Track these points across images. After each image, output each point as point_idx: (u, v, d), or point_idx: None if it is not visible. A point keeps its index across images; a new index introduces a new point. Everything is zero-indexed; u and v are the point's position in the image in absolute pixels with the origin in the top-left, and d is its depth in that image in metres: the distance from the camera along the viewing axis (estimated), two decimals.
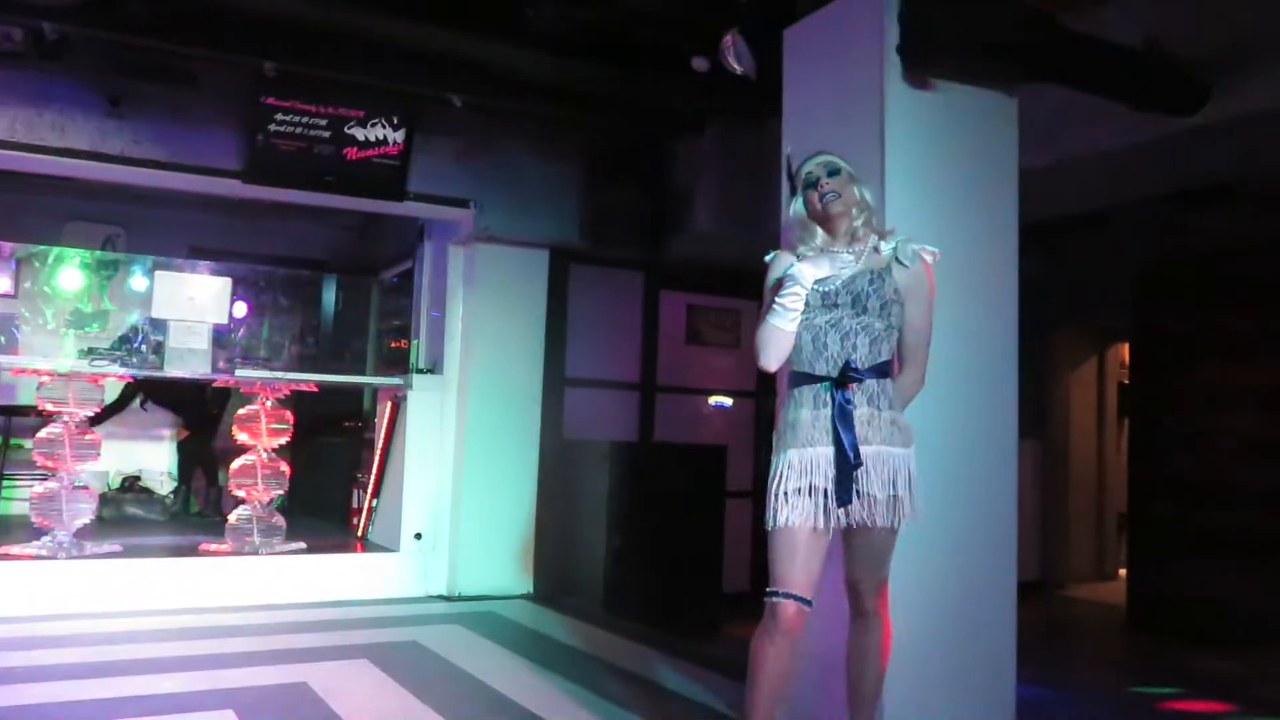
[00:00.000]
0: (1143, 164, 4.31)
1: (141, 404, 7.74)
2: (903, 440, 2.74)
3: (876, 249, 2.80)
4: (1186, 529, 6.08)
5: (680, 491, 6.19)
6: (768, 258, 2.92)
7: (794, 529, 2.66)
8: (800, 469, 2.68)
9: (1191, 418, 6.18)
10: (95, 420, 6.51)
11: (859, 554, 2.79)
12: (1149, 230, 6.53)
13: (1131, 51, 3.57)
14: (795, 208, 2.86)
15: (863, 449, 2.66)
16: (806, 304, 2.73)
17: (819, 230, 2.82)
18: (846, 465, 2.65)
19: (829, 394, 2.70)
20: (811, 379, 2.73)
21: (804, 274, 2.71)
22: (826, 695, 3.19)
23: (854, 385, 2.70)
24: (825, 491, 2.66)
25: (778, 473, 2.71)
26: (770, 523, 2.69)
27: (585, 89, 5.49)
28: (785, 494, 2.67)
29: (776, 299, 2.73)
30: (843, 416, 2.67)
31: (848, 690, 2.90)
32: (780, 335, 2.73)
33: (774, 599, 2.67)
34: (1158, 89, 3.61)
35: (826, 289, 2.73)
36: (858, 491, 2.67)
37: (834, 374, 2.70)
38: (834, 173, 2.80)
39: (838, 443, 2.66)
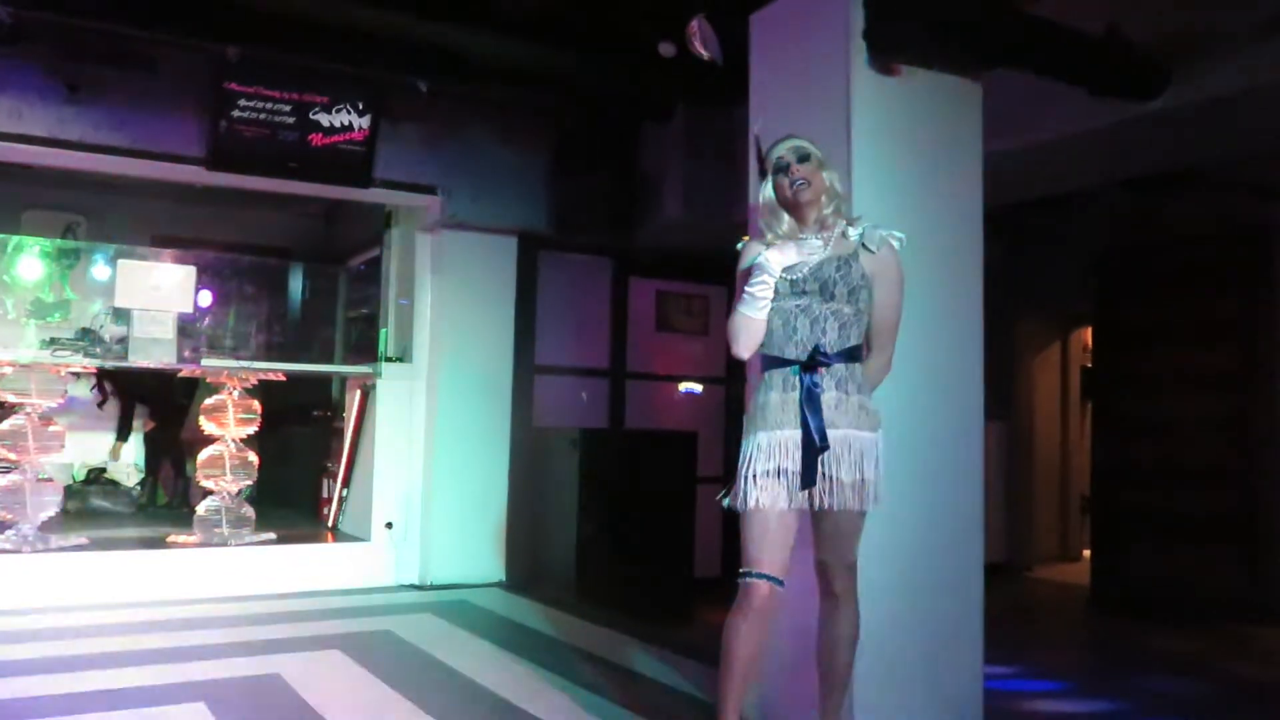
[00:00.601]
0: (1105, 149, 4.37)
1: (100, 403, 7.66)
2: (870, 424, 2.77)
3: (844, 235, 2.82)
4: (1149, 510, 6.18)
5: (651, 478, 6.20)
6: (739, 245, 2.93)
7: (764, 510, 2.70)
8: (769, 451, 2.71)
9: (1153, 401, 6.28)
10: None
11: (827, 536, 2.82)
12: (1111, 215, 6.61)
13: (1092, 37, 3.60)
14: (765, 193, 2.86)
15: (830, 433, 2.69)
16: (776, 291, 2.76)
17: (786, 216, 2.83)
18: (812, 448, 2.69)
19: (798, 378, 2.73)
20: (781, 363, 2.76)
21: (771, 262, 2.75)
22: (797, 678, 3.22)
23: (822, 369, 2.73)
24: (793, 474, 2.70)
25: (747, 455, 2.75)
26: (740, 504, 2.72)
27: (552, 75, 5.47)
28: (754, 476, 2.71)
29: (746, 288, 2.78)
30: (810, 400, 2.70)
31: (818, 673, 2.93)
32: (751, 323, 2.77)
33: (747, 579, 2.70)
34: (1118, 75, 3.66)
35: (795, 276, 2.76)
36: (824, 475, 2.70)
37: (803, 358, 2.73)
38: (804, 159, 2.81)
39: (805, 425, 2.69)
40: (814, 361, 2.72)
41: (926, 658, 3.35)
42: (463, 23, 4.83)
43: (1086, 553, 7.53)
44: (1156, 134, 4.08)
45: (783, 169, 2.81)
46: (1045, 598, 7.08)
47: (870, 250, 2.80)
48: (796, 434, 2.70)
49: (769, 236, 2.84)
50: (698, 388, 7.48)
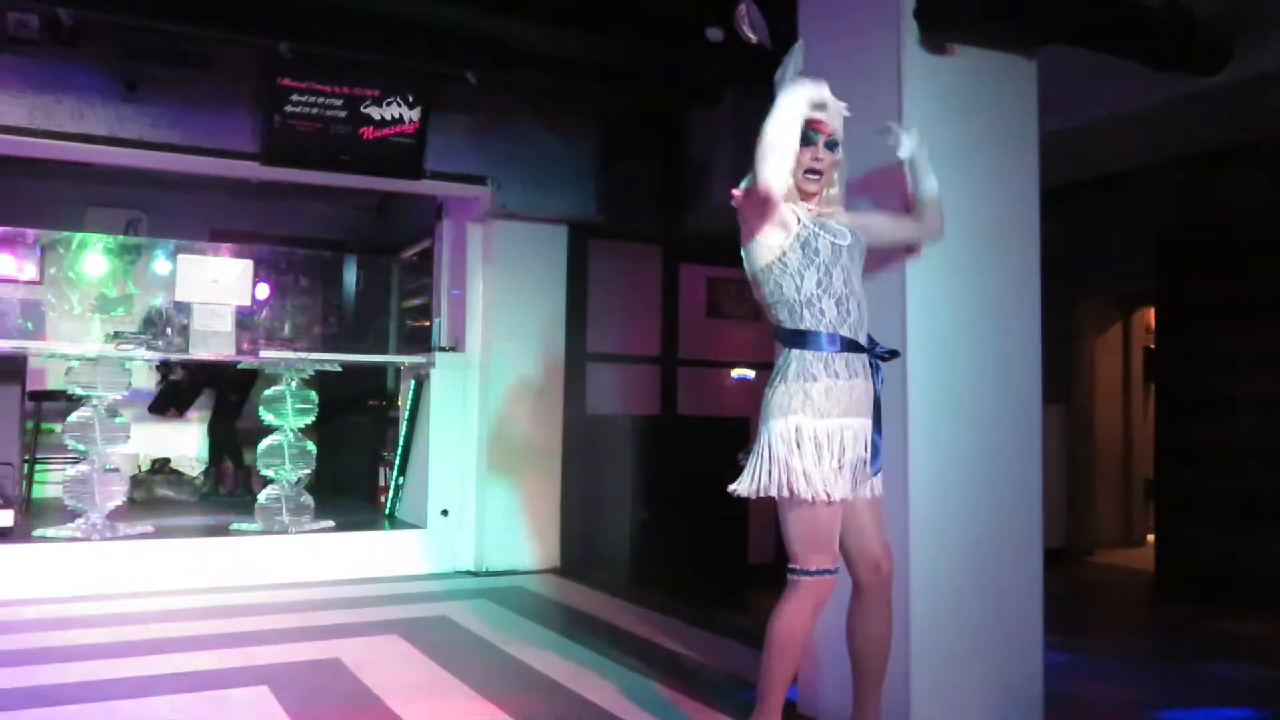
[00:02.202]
0: (1165, 125, 4.25)
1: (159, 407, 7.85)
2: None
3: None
4: (1214, 493, 6.04)
5: (704, 464, 6.17)
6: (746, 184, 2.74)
7: (836, 502, 2.66)
8: (841, 442, 2.66)
9: (1218, 381, 6.13)
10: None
11: (865, 522, 2.80)
12: (1173, 192, 6.44)
13: (1151, 10, 3.51)
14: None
15: (865, 419, 2.74)
16: (817, 252, 2.68)
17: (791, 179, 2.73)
18: (879, 439, 2.76)
19: (861, 365, 2.73)
20: (838, 344, 2.69)
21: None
22: (833, 672, 3.20)
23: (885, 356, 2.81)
24: (863, 463, 2.72)
25: (829, 443, 2.63)
26: (811, 494, 2.61)
27: (600, 62, 5.47)
28: (839, 468, 2.64)
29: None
30: (878, 393, 2.78)
31: (853, 664, 2.88)
32: (786, 152, 2.63)
33: (823, 575, 2.67)
34: (1178, 48, 3.55)
35: (839, 243, 2.73)
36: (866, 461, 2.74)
37: (855, 339, 2.71)
38: (833, 146, 2.78)
39: (876, 416, 2.75)
40: (888, 354, 2.81)
41: (985, 644, 3.31)
42: (510, 13, 4.84)
43: (1150, 537, 7.38)
44: (1218, 109, 3.96)
45: (811, 143, 2.74)
46: (1108, 582, 6.95)
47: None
48: (856, 421, 2.69)
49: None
50: (750, 373, 7.45)
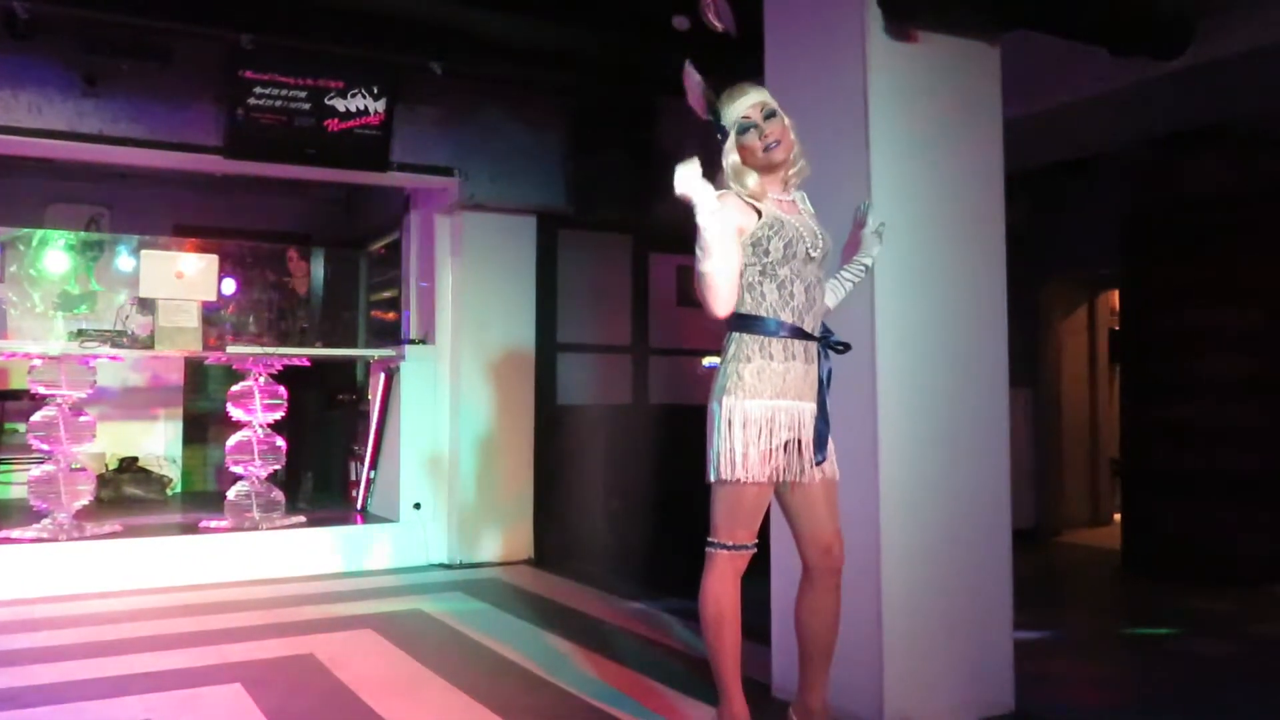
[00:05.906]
0: (1127, 110, 4.31)
1: None
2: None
3: (804, 200, 2.84)
4: (1179, 471, 6.13)
5: (676, 452, 6.20)
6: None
7: (766, 483, 2.69)
8: (776, 422, 2.67)
9: (1182, 361, 6.21)
10: None
11: (825, 504, 2.80)
12: (1136, 176, 6.52)
13: None
14: (729, 159, 2.76)
15: (805, 402, 2.73)
16: (767, 253, 2.68)
17: (755, 177, 2.74)
18: (825, 425, 2.74)
19: (803, 350, 2.71)
20: (778, 329, 2.69)
21: (713, 218, 2.61)
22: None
23: (838, 347, 2.81)
24: (805, 443, 2.71)
25: (756, 424, 2.65)
26: (744, 475, 2.65)
27: (566, 52, 5.45)
28: (772, 449, 2.67)
29: (707, 239, 2.64)
30: (828, 378, 2.77)
31: (804, 646, 2.88)
32: (723, 278, 2.67)
33: (740, 550, 2.73)
34: (1139, 33, 3.60)
35: (789, 238, 2.69)
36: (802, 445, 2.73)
37: (799, 324, 2.71)
38: (771, 115, 2.75)
39: (821, 401, 2.74)
40: (830, 342, 2.79)
41: (956, 624, 3.35)
42: (475, 3, 4.81)
43: (1117, 516, 7.48)
44: (1179, 92, 4.02)
45: (751, 129, 2.73)
46: (1076, 562, 7.04)
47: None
48: (790, 404, 2.68)
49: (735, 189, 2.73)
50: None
